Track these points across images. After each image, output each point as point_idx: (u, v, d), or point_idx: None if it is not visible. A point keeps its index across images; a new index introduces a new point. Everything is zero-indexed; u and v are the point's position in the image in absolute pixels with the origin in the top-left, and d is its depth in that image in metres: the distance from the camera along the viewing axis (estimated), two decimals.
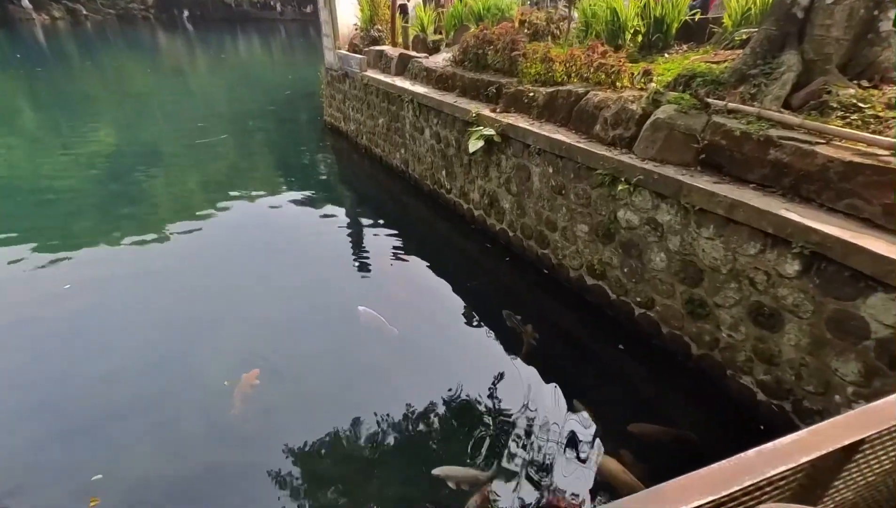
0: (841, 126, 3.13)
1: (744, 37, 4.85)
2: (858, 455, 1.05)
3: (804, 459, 0.92)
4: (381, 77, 7.68)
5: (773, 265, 3.11)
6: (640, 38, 6.39)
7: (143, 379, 3.88)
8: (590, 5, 6.88)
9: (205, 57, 27.64)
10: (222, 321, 4.64)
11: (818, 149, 3.03)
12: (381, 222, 6.85)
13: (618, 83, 4.61)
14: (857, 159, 2.86)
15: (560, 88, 4.96)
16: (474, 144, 5.25)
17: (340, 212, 7.31)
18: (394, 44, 8.90)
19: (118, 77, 20.14)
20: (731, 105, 3.65)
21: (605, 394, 3.91)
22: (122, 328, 4.50)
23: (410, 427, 3.59)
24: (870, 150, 2.91)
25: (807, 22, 3.66)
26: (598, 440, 3.38)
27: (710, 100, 3.77)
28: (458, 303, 5.04)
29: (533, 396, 3.78)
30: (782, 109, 3.56)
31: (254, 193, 7.84)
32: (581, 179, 4.39)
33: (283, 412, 3.70)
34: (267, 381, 3.84)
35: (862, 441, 1.01)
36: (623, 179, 3.94)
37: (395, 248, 6.17)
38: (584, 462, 3.26)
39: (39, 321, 4.57)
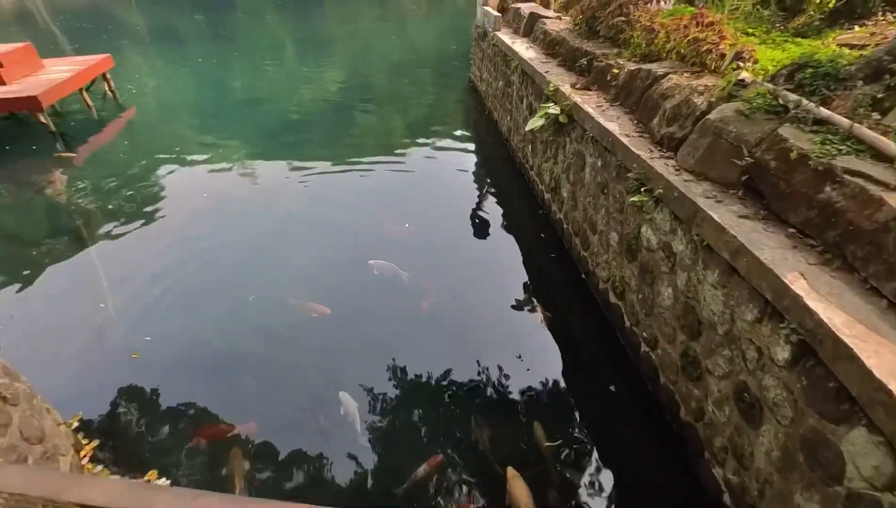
0: None
1: None
2: None
3: None
4: (505, 38, 7.36)
5: (766, 342, 2.28)
6: (832, 1, 4.74)
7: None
8: None
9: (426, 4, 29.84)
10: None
11: (889, 198, 2.00)
12: (469, 188, 6.88)
13: (711, 65, 3.60)
14: None
15: (643, 65, 4.11)
16: (533, 122, 4.82)
17: (433, 171, 7.52)
18: (546, 2, 8.29)
19: (353, 19, 23.91)
20: (825, 112, 2.58)
21: (580, 434, 3.49)
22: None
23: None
24: None
25: None
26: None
27: (795, 99, 2.72)
28: (493, 282, 4.94)
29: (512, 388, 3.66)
30: None
31: (391, 145, 8.57)
32: (620, 180, 3.71)
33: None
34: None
35: None
36: (648, 189, 3.22)
37: (468, 214, 6.19)
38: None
39: (287, 208, 6.38)
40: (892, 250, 1.94)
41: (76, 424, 3.36)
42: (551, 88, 4.96)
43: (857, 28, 4.23)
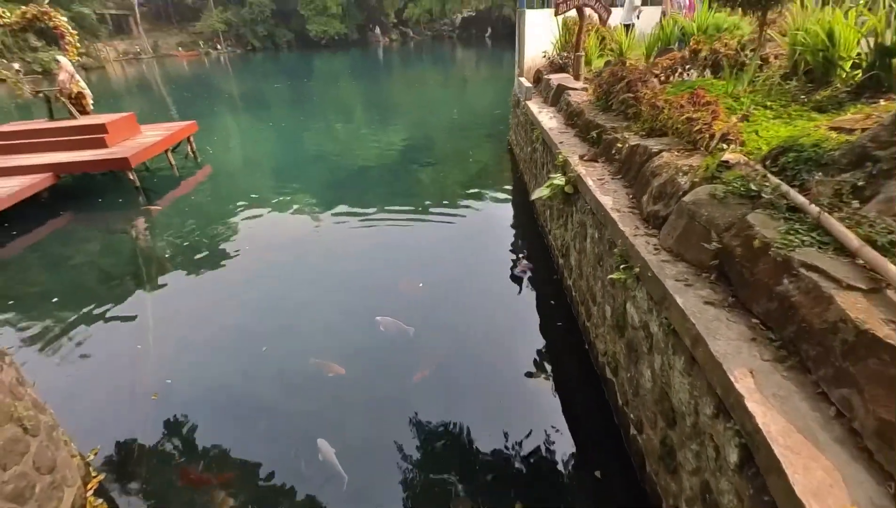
0: None
1: None
2: None
3: None
4: (533, 106, 7.70)
5: (722, 441, 2.15)
6: (858, 74, 4.64)
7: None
8: (799, 28, 5.32)
9: (484, 69, 31.69)
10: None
11: (838, 297, 1.91)
12: (494, 248, 7.03)
13: (702, 145, 3.60)
14: (882, 332, 1.71)
15: (642, 141, 4.17)
16: (540, 191, 4.95)
17: (466, 229, 7.77)
18: (576, 74, 8.64)
19: (418, 84, 25.97)
20: (799, 199, 2.52)
21: None
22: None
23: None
24: None
25: None
26: None
27: (774, 183, 2.68)
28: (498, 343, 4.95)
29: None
30: (882, 220, 2.26)
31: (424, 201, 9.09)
32: (611, 254, 3.70)
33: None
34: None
35: None
36: (629, 267, 3.20)
37: (488, 274, 6.32)
38: None
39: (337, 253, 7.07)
40: (839, 353, 1.82)
41: (92, 457, 3.72)
42: (560, 159, 5.11)
43: (885, 100, 4.07)
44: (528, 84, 8.57)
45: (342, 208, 8.71)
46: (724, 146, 3.31)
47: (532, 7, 9.97)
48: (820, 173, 2.71)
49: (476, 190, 9.40)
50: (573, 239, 4.99)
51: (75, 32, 10.38)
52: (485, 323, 5.27)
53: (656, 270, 2.84)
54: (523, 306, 5.62)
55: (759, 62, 6.17)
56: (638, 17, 11.62)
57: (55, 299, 6.06)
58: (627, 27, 11.16)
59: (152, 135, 10.87)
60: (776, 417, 1.81)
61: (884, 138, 2.56)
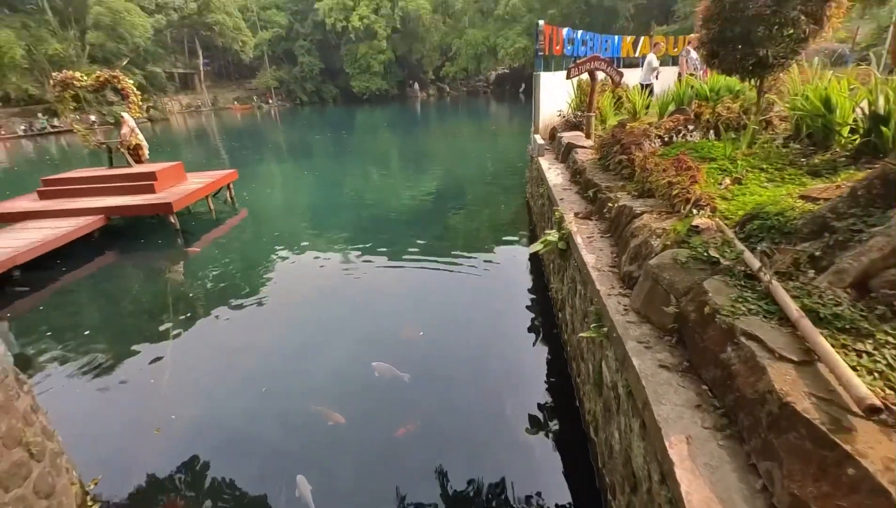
0: (846, 356, 1.89)
1: None
2: None
3: None
4: (544, 163, 7.98)
5: None
6: (856, 138, 4.69)
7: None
8: (798, 93, 5.45)
9: (516, 122, 32.84)
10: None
11: (770, 368, 1.94)
12: (502, 297, 7.12)
13: (678, 208, 3.70)
14: (802, 405, 1.73)
15: (629, 202, 4.30)
16: (535, 246, 5.09)
17: (479, 277, 7.90)
18: (587, 133, 8.94)
19: (453, 135, 27.22)
20: (755, 267, 2.58)
21: None
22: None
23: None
24: (837, 400, 1.70)
25: None
26: None
27: (736, 249, 2.74)
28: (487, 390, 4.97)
29: None
30: (832, 292, 2.28)
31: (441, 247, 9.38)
32: (591, 311, 3.76)
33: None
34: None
35: None
36: (599, 325, 3.26)
37: (493, 324, 6.39)
38: None
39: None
40: (766, 425, 1.84)
41: (92, 486, 3.95)
42: (557, 215, 5.28)
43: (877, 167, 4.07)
44: (541, 141, 8.92)
45: (367, 253, 9.07)
46: (694, 211, 3.40)
47: (549, 69, 10.50)
48: (783, 242, 2.77)
49: (498, 239, 9.61)
50: (567, 294, 5.05)
51: (139, 93, 11.72)
52: (481, 374, 5.30)
53: (621, 330, 2.90)
54: (522, 359, 5.62)
55: (764, 125, 6.27)
56: (657, 78, 11.97)
57: (87, 332, 6.57)
58: (647, 87, 11.51)
59: (196, 182, 11.85)
60: (701, 487, 1.82)
61: (841, 210, 2.62)
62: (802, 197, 3.14)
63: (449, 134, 28.65)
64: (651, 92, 11.19)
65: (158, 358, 5.87)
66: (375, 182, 16.16)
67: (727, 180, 4.52)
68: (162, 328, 6.68)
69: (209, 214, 11.98)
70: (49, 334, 6.56)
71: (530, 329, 6.20)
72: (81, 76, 11.17)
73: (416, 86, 57.21)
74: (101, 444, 4.46)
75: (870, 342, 1.95)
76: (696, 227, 3.20)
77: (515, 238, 9.70)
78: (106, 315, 7.26)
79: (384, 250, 9.15)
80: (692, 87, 8.74)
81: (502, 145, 23.77)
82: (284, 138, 30.56)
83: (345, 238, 10.26)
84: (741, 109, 6.18)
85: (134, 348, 6.12)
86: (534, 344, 5.89)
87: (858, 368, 1.83)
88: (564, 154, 7.80)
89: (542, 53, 9.50)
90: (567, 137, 8.32)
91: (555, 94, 9.95)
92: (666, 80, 11.94)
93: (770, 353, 2.01)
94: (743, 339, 2.15)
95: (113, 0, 38.52)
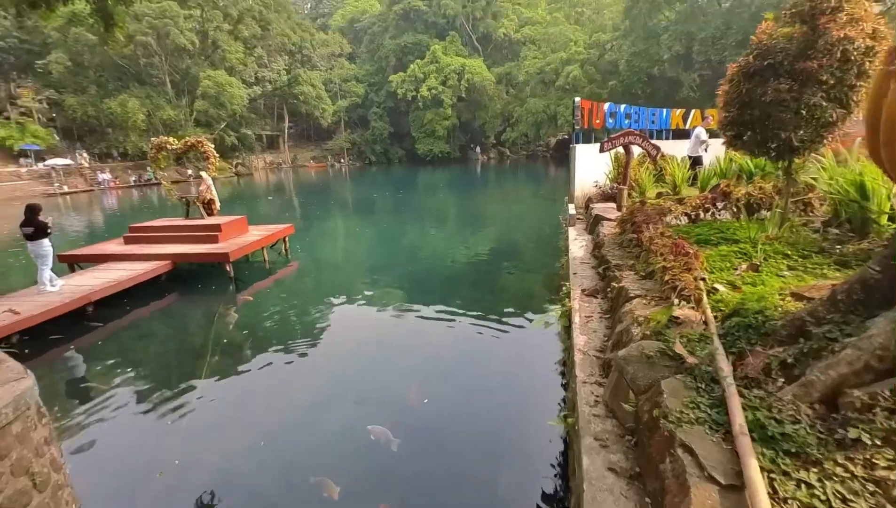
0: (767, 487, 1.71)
1: None
2: None
3: None
4: (572, 233, 7.95)
5: None
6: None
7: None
8: (835, 176, 5.20)
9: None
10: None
11: (695, 489, 1.78)
12: (523, 366, 6.91)
13: (667, 296, 3.54)
14: None
15: (628, 283, 4.18)
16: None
17: (509, 343, 7.73)
18: (619, 206, 8.83)
19: (511, 197, 27.97)
20: (723, 371, 2.42)
21: None
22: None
23: None
24: None
25: None
26: None
27: (711, 348, 2.59)
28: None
29: None
30: (794, 407, 2.08)
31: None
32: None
33: None
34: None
35: None
36: (566, 416, 3.12)
37: (508, 394, 6.20)
38: None
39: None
40: None
41: None
42: (564, 290, 5.20)
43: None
44: (572, 211, 8.94)
45: (406, 310, 9.22)
46: (676, 301, 3.25)
47: (590, 141, 10.67)
48: (760, 343, 2.58)
49: (540, 306, 9.42)
50: (569, 373, 4.85)
51: (217, 156, 13.32)
52: (487, 450, 5.11)
53: (583, 423, 2.77)
54: (519, 439, 5.34)
55: (803, 206, 5.94)
56: (706, 151, 11.71)
57: (129, 368, 7.20)
58: (694, 160, 11.29)
59: (256, 235, 12.96)
60: None
61: (821, 314, 2.44)
62: (793, 295, 2.93)
63: (506, 196, 29.26)
64: (699, 164, 10.95)
65: (180, 402, 6.26)
66: (428, 240, 16.68)
67: (744, 266, 4.29)
68: (196, 371, 7.15)
69: (262, 264, 12.94)
70: (97, 367, 7.26)
71: (537, 406, 5.92)
72: (173, 141, 12.99)
73: (478, 149, 59.69)
74: (107, 480, 4.76)
75: (815, 471, 1.76)
76: (677, 318, 3.05)
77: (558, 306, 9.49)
78: (152, 355, 7.92)
79: (423, 307, 9.24)
80: (738, 163, 8.51)
81: (558, 209, 23.81)
82: (351, 195, 32.84)
83: (386, 295, 10.55)
84: (775, 190, 5.90)
85: (165, 388, 6.58)
86: (535, 424, 5.59)
87: (789, 501, 1.65)
88: (592, 226, 7.74)
89: (578, 127, 9.73)
90: (598, 208, 8.28)
91: (591, 165, 10.03)
92: (715, 152, 11.64)
93: (700, 471, 1.86)
94: (679, 451, 2.00)
95: (218, 75, 44.87)
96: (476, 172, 47.44)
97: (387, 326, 8.50)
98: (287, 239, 14.08)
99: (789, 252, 4.48)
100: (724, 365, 2.43)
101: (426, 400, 5.97)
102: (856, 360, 2.06)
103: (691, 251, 3.79)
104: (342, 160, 61.25)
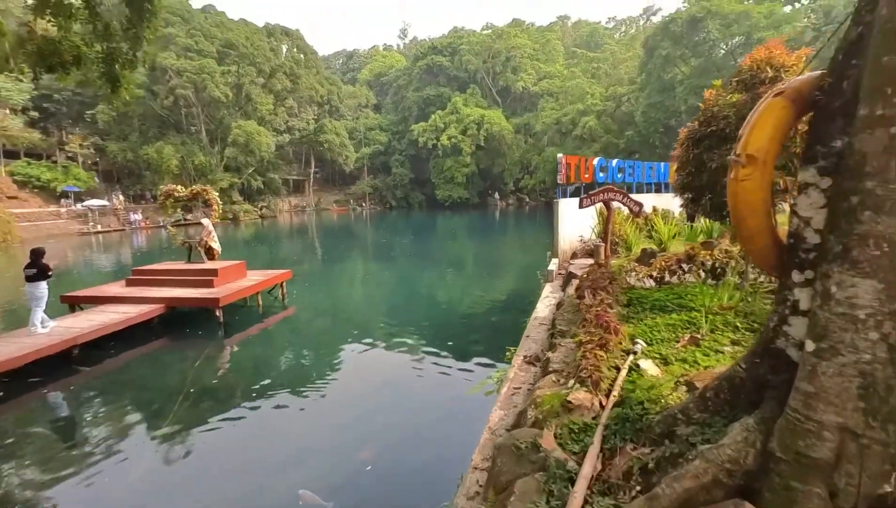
0: None
1: None
2: None
3: None
4: (546, 288, 7.77)
5: None
6: None
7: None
8: None
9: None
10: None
11: None
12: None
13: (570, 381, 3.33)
14: None
15: (551, 356, 3.98)
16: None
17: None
18: (598, 262, 8.65)
19: (529, 243, 28.01)
20: (582, 473, 2.22)
21: None
22: None
23: None
24: None
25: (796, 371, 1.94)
26: None
27: (589, 441, 2.39)
28: None
29: None
30: None
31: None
32: None
33: None
34: None
35: None
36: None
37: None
38: None
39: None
40: None
41: None
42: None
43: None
44: (552, 267, 8.78)
45: (392, 362, 9.12)
46: (570, 383, 3.06)
47: (577, 196, 10.63)
48: (632, 440, 2.37)
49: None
50: None
51: (220, 203, 13.90)
52: None
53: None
54: None
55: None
56: None
57: (95, 416, 7.22)
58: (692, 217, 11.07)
59: (252, 279, 13.21)
60: None
61: (691, 413, 2.24)
62: (687, 384, 2.71)
63: (526, 241, 29.28)
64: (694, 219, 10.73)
65: (158, 444, 6.24)
66: (434, 289, 16.54)
67: (686, 337, 4.06)
68: (160, 422, 7.12)
69: (256, 309, 13.09)
70: (63, 414, 7.33)
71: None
72: (181, 189, 13.67)
73: (497, 195, 60.54)
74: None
75: None
76: (570, 403, 2.85)
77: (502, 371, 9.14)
78: (125, 401, 7.94)
79: (411, 359, 9.09)
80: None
81: None
82: (369, 239, 33.54)
83: (371, 344, 10.44)
84: (740, 254, 5.67)
85: (142, 432, 6.59)
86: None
87: None
88: (564, 282, 7.56)
89: (561, 183, 9.75)
90: (575, 265, 8.12)
91: (577, 220, 9.94)
92: None
93: None
94: None
95: (248, 124, 47.71)
96: (494, 218, 47.90)
97: (362, 380, 8.33)
98: (284, 285, 14.27)
99: (739, 324, 4.23)
100: (588, 466, 2.23)
101: (369, 468, 5.72)
102: (703, 473, 1.85)
103: (611, 325, 3.61)
104: (364, 204, 62.98)
